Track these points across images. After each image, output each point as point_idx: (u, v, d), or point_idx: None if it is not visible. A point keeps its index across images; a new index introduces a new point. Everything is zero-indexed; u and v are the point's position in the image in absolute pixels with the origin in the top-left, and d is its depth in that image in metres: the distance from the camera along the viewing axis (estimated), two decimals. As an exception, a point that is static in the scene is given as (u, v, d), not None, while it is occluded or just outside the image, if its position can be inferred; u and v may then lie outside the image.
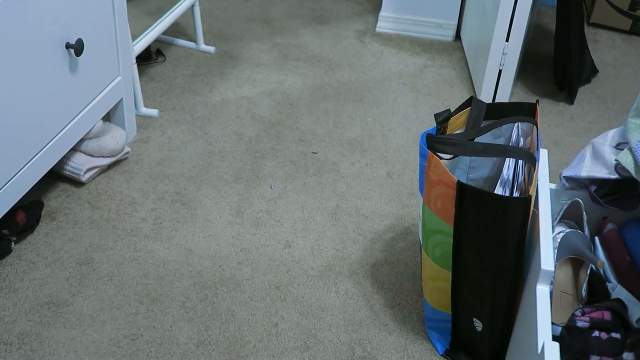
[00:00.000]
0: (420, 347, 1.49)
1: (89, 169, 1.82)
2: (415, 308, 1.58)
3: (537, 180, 1.31)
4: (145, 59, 2.38)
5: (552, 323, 1.21)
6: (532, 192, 1.21)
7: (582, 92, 2.41)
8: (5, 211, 1.54)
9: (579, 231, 1.42)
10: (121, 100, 1.92)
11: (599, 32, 2.82)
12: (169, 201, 1.82)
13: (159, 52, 2.44)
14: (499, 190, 1.37)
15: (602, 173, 1.37)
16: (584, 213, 1.43)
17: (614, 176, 1.34)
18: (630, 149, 1.31)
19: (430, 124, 2.18)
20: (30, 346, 1.43)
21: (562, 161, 2.06)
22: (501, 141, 1.47)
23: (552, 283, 1.35)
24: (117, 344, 1.45)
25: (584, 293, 1.35)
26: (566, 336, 1.21)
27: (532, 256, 1.28)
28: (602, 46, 2.72)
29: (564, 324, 1.24)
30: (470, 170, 1.52)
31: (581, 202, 1.43)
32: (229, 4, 2.85)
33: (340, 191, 1.90)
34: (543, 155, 1.41)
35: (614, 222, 1.46)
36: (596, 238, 1.44)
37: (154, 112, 2.13)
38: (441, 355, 1.48)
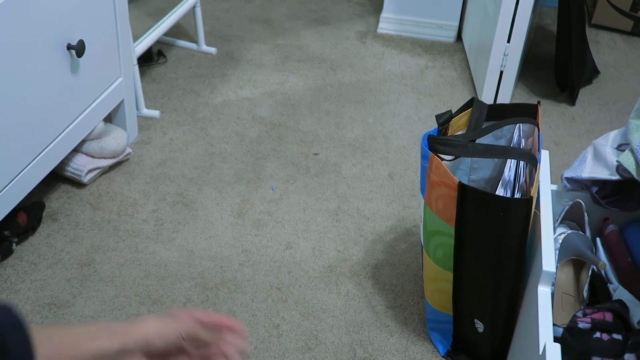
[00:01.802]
0: (421, 348, 1.49)
1: (90, 170, 1.82)
2: (416, 309, 1.57)
3: (539, 182, 1.31)
4: (147, 60, 2.39)
5: (554, 324, 1.21)
6: (533, 193, 1.20)
7: (584, 93, 2.41)
8: (6, 212, 1.54)
9: (580, 232, 1.42)
10: (122, 101, 1.93)
11: (601, 33, 2.82)
12: (170, 202, 1.82)
13: (160, 53, 2.44)
14: (500, 192, 1.36)
15: (604, 174, 1.37)
16: (585, 214, 1.43)
17: (616, 177, 1.34)
18: (632, 150, 1.31)
19: (432, 125, 2.18)
20: (31, 347, 1.43)
21: (563, 162, 2.06)
22: (502, 142, 1.47)
23: (553, 284, 1.35)
24: (118, 345, 1.45)
25: (585, 294, 1.35)
26: (567, 337, 1.21)
27: (534, 257, 1.28)
28: (604, 47, 2.72)
29: (565, 325, 1.24)
30: (471, 171, 1.52)
31: (582, 203, 1.43)
32: (230, 5, 2.85)
33: (341, 192, 1.90)
34: (544, 156, 1.41)
35: (615, 224, 1.46)
36: (597, 239, 1.44)
37: (155, 113, 2.13)
38: (442, 356, 1.48)
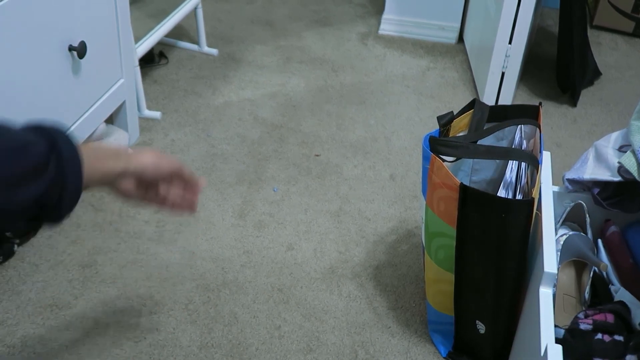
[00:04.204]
0: (423, 349, 1.49)
1: (92, 172, 1.82)
2: (418, 311, 1.57)
3: (540, 183, 1.31)
4: (148, 61, 2.39)
5: (555, 325, 1.21)
6: (535, 194, 1.20)
7: (585, 94, 2.41)
8: (8, 214, 1.54)
9: (582, 234, 1.42)
10: (124, 102, 1.93)
11: (602, 34, 2.82)
12: (172, 203, 1.82)
13: (162, 55, 2.44)
14: (501, 193, 1.36)
15: (605, 175, 1.37)
16: (587, 215, 1.43)
17: (617, 179, 1.34)
18: (633, 152, 1.31)
19: (433, 127, 2.18)
20: (33, 349, 1.43)
21: (565, 163, 2.06)
22: (504, 143, 1.47)
23: (554, 285, 1.35)
24: (119, 347, 1.45)
25: (587, 296, 1.35)
26: (569, 339, 1.21)
27: (535, 259, 1.28)
28: (605, 48, 2.72)
29: (566, 327, 1.24)
30: (473, 172, 1.52)
31: (584, 204, 1.43)
32: (232, 7, 2.85)
33: (343, 194, 1.90)
34: (546, 157, 1.41)
35: (616, 225, 1.45)
36: (599, 240, 1.44)
37: (156, 114, 2.13)
38: (444, 358, 1.48)
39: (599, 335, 1.20)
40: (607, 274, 1.40)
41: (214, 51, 2.50)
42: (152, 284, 1.59)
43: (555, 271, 1.16)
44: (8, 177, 0.71)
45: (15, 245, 1.63)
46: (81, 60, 1.67)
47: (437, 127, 1.36)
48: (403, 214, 1.84)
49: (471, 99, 1.71)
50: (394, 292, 1.62)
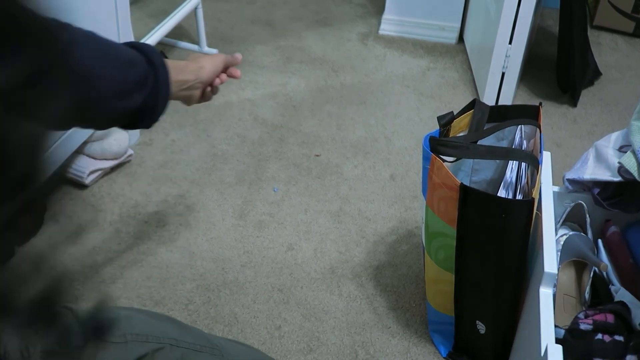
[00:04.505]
0: (423, 350, 1.49)
1: (92, 172, 1.83)
2: (418, 311, 1.57)
3: (540, 183, 1.31)
4: (149, 61, 2.38)
5: (555, 326, 1.21)
6: (535, 194, 1.20)
7: (585, 94, 2.41)
8: (8, 214, 1.54)
9: (582, 234, 1.42)
10: (124, 102, 1.92)
11: (602, 34, 2.82)
12: (172, 204, 1.82)
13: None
14: (502, 193, 1.36)
15: (606, 176, 1.37)
16: (587, 216, 1.43)
17: (617, 179, 1.34)
18: (634, 152, 1.31)
19: (434, 127, 2.17)
20: (33, 348, 1.43)
21: (565, 164, 2.06)
22: (504, 144, 1.47)
23: (555, 286, 1.35)
24: (120, 347, 1.45)
25: (587, 296, 1.35)
26: (569, 339, 1.21)
27: (535, 259, 1.28)
28: (605, 49, 2.72)
29: (567, 327, 1.24)
30: (473, 172, 1.52)
31: (584, 204, 1.43)
32: (232, 7, 2.85)
33: (343, 194, 1.90)
34: (546, 157, 1.41)
35: (617, 225, 1.45)
36: (599, 241, 1.44)
37: (157, 114, 2.13)
38: (444, 358, 1.48)
39: (599, 336, 1.20)
40: (607, 274, 1.40)
41: (214, 51, 2.50)
42: (153, 284, 1.59)
43: (556, 271, 1.16)
44: (121, 88, 0.84)
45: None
46: (81, 60, 1.67)
47: (437, 127, 1.36)
48: (403, 214, 1.84)
49: (471, 99, 1.71)
50: (394, 292, 1.62)
